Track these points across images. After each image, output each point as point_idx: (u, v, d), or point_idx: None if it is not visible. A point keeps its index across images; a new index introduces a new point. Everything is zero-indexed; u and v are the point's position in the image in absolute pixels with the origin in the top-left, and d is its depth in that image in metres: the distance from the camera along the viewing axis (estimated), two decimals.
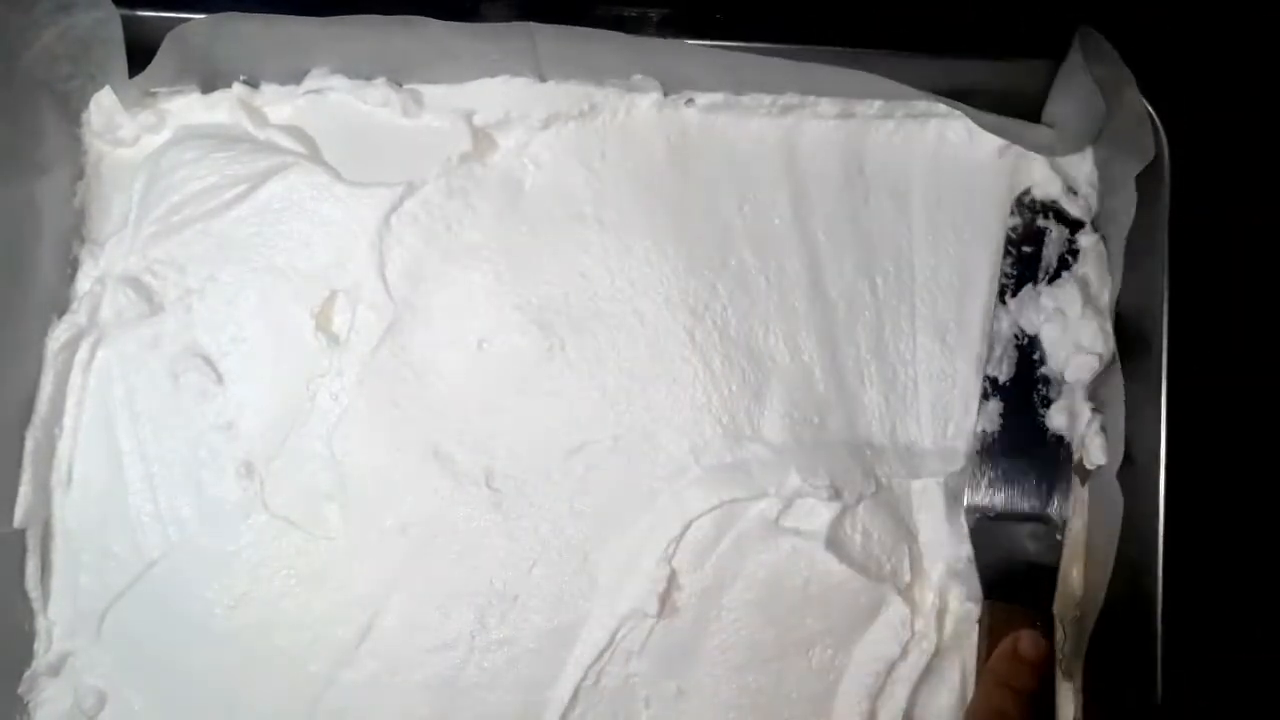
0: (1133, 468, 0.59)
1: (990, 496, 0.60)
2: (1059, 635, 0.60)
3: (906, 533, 0.60)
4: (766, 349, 0.61)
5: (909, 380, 0.62)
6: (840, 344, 0.62)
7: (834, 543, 0.58)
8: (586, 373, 0.61)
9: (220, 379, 0.61)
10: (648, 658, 0.58)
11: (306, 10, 0.60)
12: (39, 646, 0.61)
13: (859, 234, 0.63)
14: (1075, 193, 0.63)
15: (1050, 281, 0.62)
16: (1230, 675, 0.62)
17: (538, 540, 0.60)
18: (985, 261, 0.63)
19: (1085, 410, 0.60)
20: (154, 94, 0.64)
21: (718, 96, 0.63)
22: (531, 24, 0.59)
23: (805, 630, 0.59)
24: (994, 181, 0.64)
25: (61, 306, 0.63)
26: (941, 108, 0.63)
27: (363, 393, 0.61)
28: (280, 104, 0.64)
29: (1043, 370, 0.61)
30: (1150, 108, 0.59)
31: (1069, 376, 0.60)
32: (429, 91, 0.64)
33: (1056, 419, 0.60)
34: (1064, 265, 0.62)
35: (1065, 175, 0.63)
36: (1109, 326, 0.60)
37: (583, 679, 0.58)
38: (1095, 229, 0.63)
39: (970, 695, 0.58)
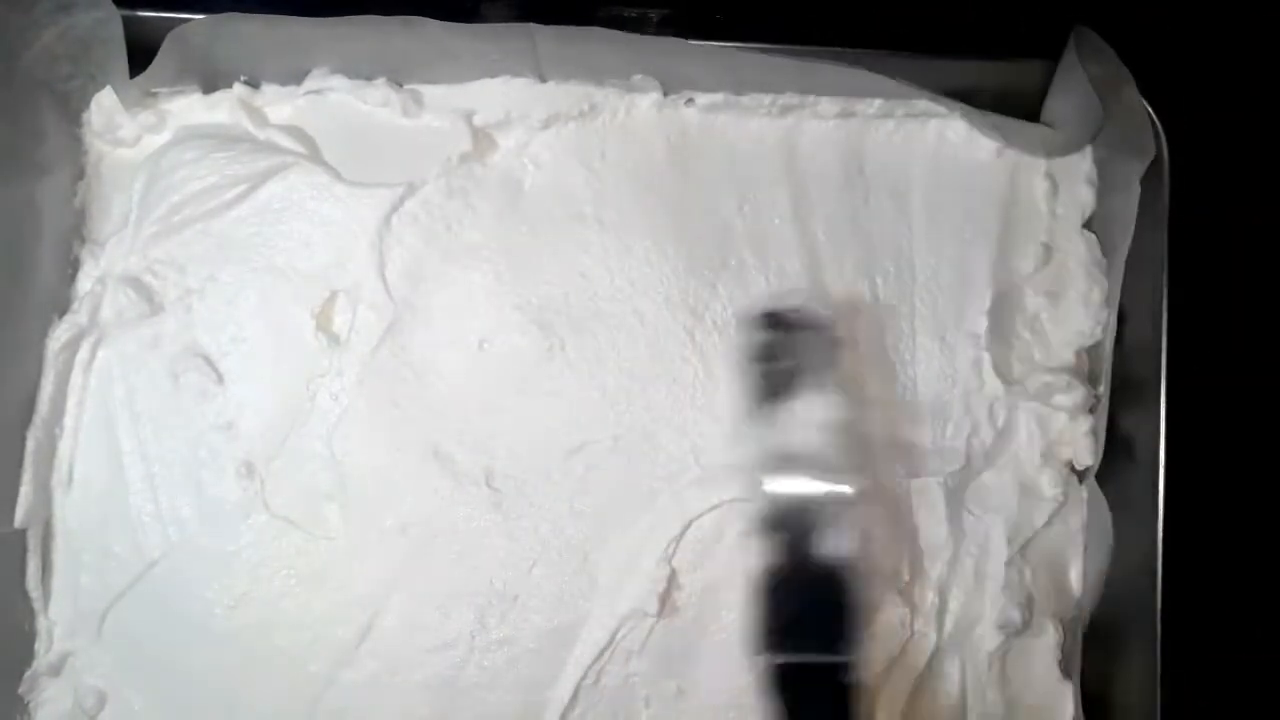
0: (1133, 467, 0.59)
1: (773, 641, 0.54)
2: (1060, 635, 0.60)
3: (906, 533, 0.60)
4: None
5: (909, 380, 0.62)
6: None
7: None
8: (586, 373, 0.61)
9: (220, 379, 0.61)
10: (648, 657, 0.58)
11: (306, 10, 0.60)
12: (39, 646, 0.61)
13: (859, 234, 0.63)
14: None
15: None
16: (1230, 675, 0.62)
17: (538, 540, 0.60)
18: (985, 261, 0.63)
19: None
20: (154, 94, 0.64)
21: (718, 96, 0.63)
22: (531, 25, 0.59)
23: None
24: (994, 181, 0.64)
25: (62, 306, 0.63)
26: (941, 108, 0.63)
27: (363, 393, 0.61)
28: (280, 104, 0.64)
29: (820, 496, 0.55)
30: (1149, 108, 0.59)
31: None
32: (429, 91, 0.64)
33: (836, 545, 0.54)
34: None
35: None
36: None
37: (583, 679, 0.58)
38: (1090, 228, 0.63)
39: (970, 695, 0.58)
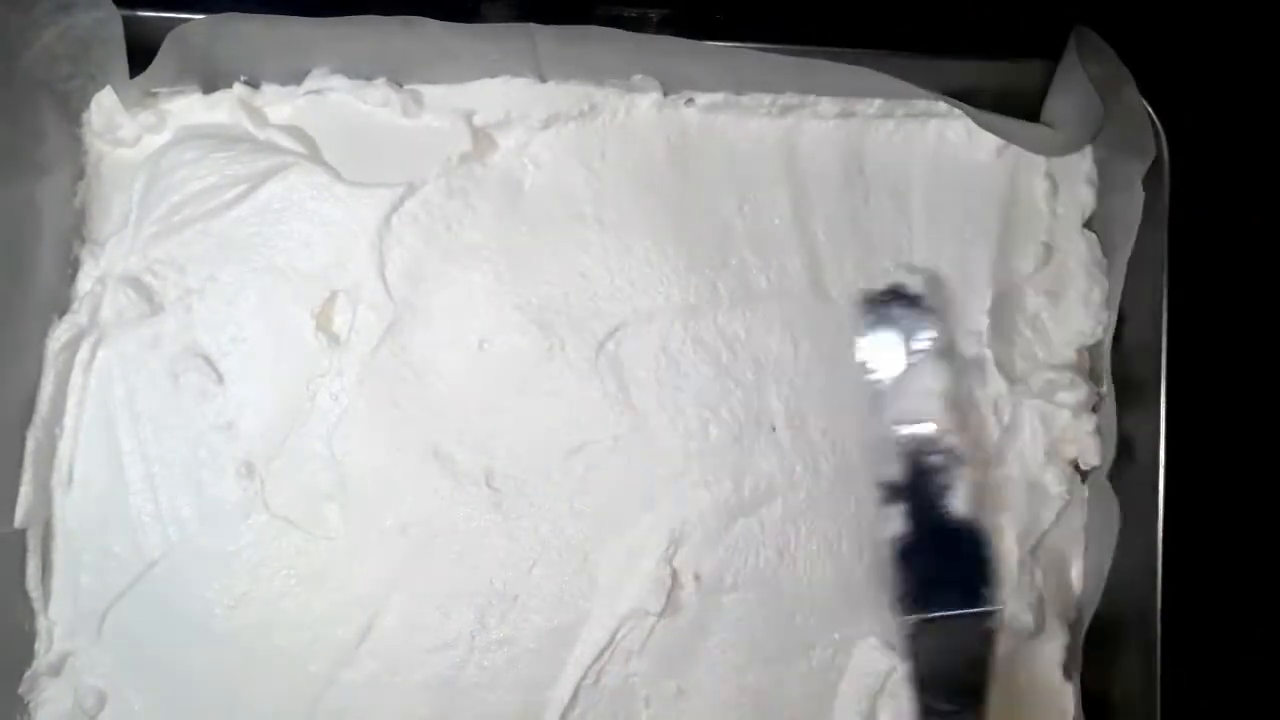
0: (1133, 467, 0.59)
1: (917, 600, 0.58)
2: (1066, 637, 0.60)
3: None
4: (766, 348, 0.61)
5: None
6: (840, 343, 0.62)
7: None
8: (587, 372, 0.61)
9: (220, 379, 0.61)
10: (648, 657, 0.58)
11: (306, 10, 0.60)
12: (39, 646, 0.60)
13: (859, 234, 0.63)
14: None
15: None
16: (1230, 675, 0.62)
17: (538, 540, 0.60)
18: (985, 261, 0.63)
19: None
20: (154, 94, 0.64)
21: (718, 96, 0.63)
22: (531, 25, 0.59)
23: (805, 630, 0.59)
24: (994, 181, 0.64)
25: (62, 306, 0.63)
26: (941, 107, 0.63)
27: (363, 393, 0.61)
28: (280, 104, 0.64)
29: (933, 460, 0.59)
30: (1149, 107, 0.59)
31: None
32: (429, 91, 0.64)
33: (958, 505, 0.59)
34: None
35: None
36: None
37: (583, 679, 0.58)
38: (1090, 228, 0.63)
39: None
